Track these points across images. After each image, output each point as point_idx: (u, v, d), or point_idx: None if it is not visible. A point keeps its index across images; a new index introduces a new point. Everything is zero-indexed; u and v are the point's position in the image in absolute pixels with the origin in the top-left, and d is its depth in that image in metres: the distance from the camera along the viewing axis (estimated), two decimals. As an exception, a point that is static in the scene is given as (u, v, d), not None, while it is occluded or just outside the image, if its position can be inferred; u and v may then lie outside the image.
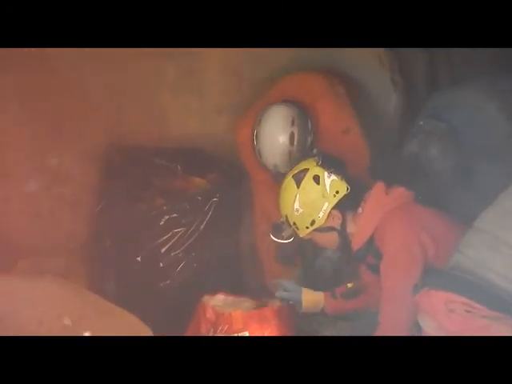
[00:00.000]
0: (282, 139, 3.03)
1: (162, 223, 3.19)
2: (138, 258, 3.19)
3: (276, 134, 3.05)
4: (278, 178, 2.98)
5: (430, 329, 2.08)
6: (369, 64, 3.32)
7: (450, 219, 2.56)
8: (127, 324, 2.77)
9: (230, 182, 3.33)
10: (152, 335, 2.71)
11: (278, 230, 2.74)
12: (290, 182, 2.64)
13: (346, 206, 2.61)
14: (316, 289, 2.94)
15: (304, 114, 3.08)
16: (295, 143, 3.04)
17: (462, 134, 2.72)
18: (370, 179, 2.73)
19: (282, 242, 2.74)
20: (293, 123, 2.90)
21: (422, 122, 2.75)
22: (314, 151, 2.67)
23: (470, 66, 3.30)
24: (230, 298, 3.07)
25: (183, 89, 3.44)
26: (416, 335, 2.14)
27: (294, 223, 2.63)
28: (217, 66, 3.39)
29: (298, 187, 2.60)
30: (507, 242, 2.01)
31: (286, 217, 2.65)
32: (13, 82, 3.13)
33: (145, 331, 2.77)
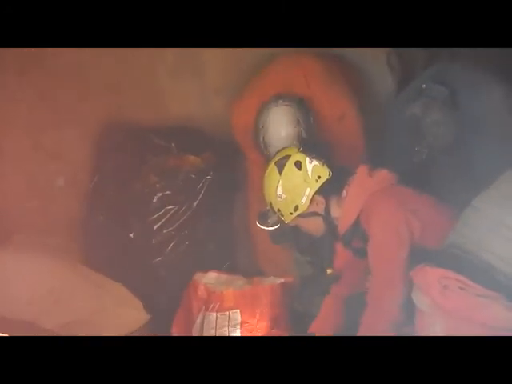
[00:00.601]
0: (290, 140, 3.01)
1: (155, 200, 3.18)
2: (131, 235, 3.18)
3: (284, 137, 3.02)
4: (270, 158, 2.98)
5: (424, 305, 2.10)
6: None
7: (435, 200, 2.58)
8: (120, 298, 2.80)
9: (225, 160, 3.32)
10: (146, 317, 2.75)
11: (263, 217, 2.74)
12: (272, 168, 2.64)
13: (330, 190, 2.62)
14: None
15: (306, 111, 3.05)
16: (301, 141, 3.03)
17: (463, 104, 2.71)
18: (353, 163, 2.73)
19: (268, 229, 2.75)
20: (298, 123, 2.86)
21: (424, 86, 2.71)
22: (295, 139, 2.68)
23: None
24: (223, 276, 3.10)
25: (182, 69, 3.42)
26: (414, 335, 2.13)
27: (279, 210, 2.64)
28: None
29: (281, 173, 2.61)
30: (507, 223, 2.03)
31: (271, 204, 2.66)
32: (12, 60, 3.10)
33: (136, 305, 2.79)
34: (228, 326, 2.88)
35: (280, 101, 3.04)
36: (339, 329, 2.73)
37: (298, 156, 2.62)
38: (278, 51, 3.16)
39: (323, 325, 2.76)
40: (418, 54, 3.10)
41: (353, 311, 2.64)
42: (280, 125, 3.04)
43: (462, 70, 2.75)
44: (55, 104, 3.27)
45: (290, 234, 2.80)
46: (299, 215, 2.63)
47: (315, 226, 2.68)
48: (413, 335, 2.14)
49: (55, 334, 2.53)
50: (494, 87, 2.67)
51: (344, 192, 2.62)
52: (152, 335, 2.79)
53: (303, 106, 3.07)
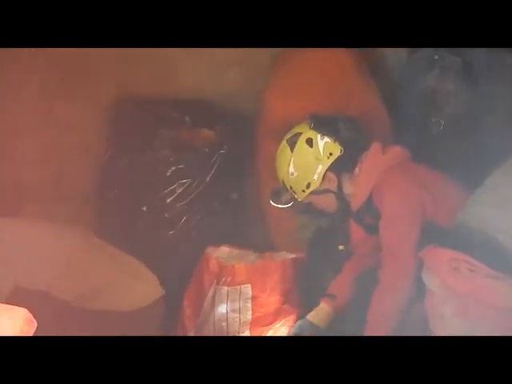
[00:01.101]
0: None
1: (168, 174, 3.17)
2: (144, 208, 3.19)
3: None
4: None
5: (434, 286, 2.10)
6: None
7: (448, 177, 2.57)
8: (135, 271, 2.81)
9: (238, 135, 3.31)
10: (161, 292, 2.75)
11: (276, 195, 2.77)
12: (284, 146, 2.65)
13: (342, 167, 2.62)
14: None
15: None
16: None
17: (477, 74, 2.69)
18: (365, 140, 2.70)
19: (282, 207, 2.74)
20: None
21: (436, 56, 2.68)
22: (307, 115, 2.65)
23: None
24: (235, 251, 3.11)
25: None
26: (422, 335, 2.13)
27: (291, 187, 2.66)
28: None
29: (292, 151, 2.62)
30: None
31: (283, 181, 2.68)
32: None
33: (151, 278, 2.81)
34: (239, 300, 2.90)
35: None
36: (351, 303, 2.74)
37: (310, 133, 2.61)
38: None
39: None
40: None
41: (365, 287, 2.64)
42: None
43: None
44: (67, 76, 3.26)
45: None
46: (312, 192, 2.63)
47: (328, 203, 2.69)
48: (422, 316, 2.14)
49: (69, 304, 2.55)
50: (508, 58, 2.64)
51: (356, 169, 2.62)
52: (165, 309, 2.82)
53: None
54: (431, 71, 2.67)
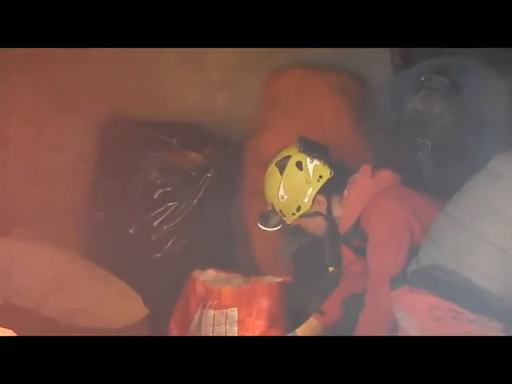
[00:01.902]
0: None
1: (155, 196, 3.19)
2: (131, 230, 3.19)
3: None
4: None
5: (413, 329, 2.07)
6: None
7: (438, 201, 2.58)
8: (119, 291, 2.80)
9: (225, 158, 3.33)
10: (145, 311, 2.75)
11: (265, 218, 2.73)
12: (273, 169, 2.63)
13: (331, 190, 2.62)
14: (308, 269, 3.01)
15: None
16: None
17: (465, 97, 2.68)
18: (354, 162, 2.73)
19: (270, 230, 2.75)
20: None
21: (423, 78, 2.68)
22: (296, 138, 2.66)
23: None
24: (221, 274, 3.10)
25: (183, 64, 3.43)
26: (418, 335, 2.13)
27: (281, 210, 2.64)
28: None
29: (282, 174, 2.60)
30: (485, 236, 2.01)
31: (272, 205, 2.66)
32: (17, 51, 3.11)
33: (136, 299, 2.80)
34: (225, 323, 2.89)
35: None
36: (337, 326, 2.75)
37: (299, 156, 2.61)
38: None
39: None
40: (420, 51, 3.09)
41: (351, 310, 2.65)
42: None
43: (463, 62, 2.71)
44: (58, 96, 3.28)
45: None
46: (301, 215, 2.63)
47: (317, 226, 2.68)
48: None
49: (56, 322, 2.54)
50: (497, 81, 2.65)
51: (345, 191, 2.63)
52: (150, 332, 2.80)
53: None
54: (418, 92, 2.66)
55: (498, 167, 2.11)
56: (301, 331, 2.77)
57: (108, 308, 2.68)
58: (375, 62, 3.38)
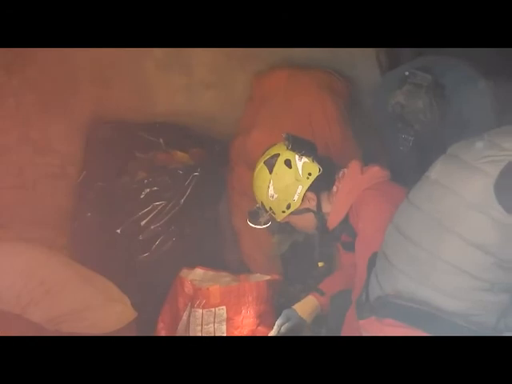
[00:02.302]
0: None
1: (142, 196, 3.18)
2: (118, 230, 3.18)
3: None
4: None
5: None
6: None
7: None
8: (108, 294, 2.79)
9: (212, 157, 3.33)
10: (134, 314, 2.74)
11: (254, 216, 2.73)
12: (262, 168, 2.63)
13: (320, 186, 2.63)
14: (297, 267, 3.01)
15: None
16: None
17: (448, 95, 2.68)
18: (343, 159, 2.73)
19: (260, 227, 2.74)
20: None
21: (407, 73, 2.69)
22: (284, 135, 2.66)
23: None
24: (209, 273, 3.10)
25: (170, 64, 3.43)
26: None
27: (271, 208, 2.64)
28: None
29: (271, 173, 2.60)
30: (439, 255, 1.98)
31: (262, 203, 2.66)
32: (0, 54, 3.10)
33: (124, 302, 2.79)
34: (214, 322, 2.89)
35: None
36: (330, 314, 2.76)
37: (287, 154, 2.61)
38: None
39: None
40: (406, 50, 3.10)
41: (338, 308, 2.65)
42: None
43: (448, 61, 2.73)
44: (43, 97, 3.28)
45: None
46: (291, 213, 2.63)
47: (307, 222, 2.69)
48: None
49: (42, 328, 2.53)
50: (480, 81, 2.66)
51: (334, 188, 2.63)
52: (138, 333, 2.80)
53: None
54: (401, 87, 2.67)
55: (443, 179, 2.07)
56: (299, 308, 2.74)
57: (96, 313, 2.67)
58: (362, 62, 3.40)
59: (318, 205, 2.65)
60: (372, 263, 2.26)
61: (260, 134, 3.22)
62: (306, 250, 3.08)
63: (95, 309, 2.69)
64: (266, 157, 2.64)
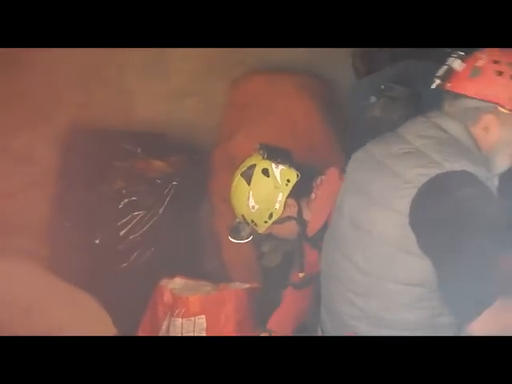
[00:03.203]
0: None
1: (121, 206, 3.17)
2: (97, 241, 3.17)
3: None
4: None
5: None
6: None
7: None
8: (87, 310, 2.78)
9: (191, 166, 3.32)
10: (114, 331, 2.73)
11: (235, 230, 2.69)
12: (239, 181, 2.60)
13: (299, 193, 2.62)
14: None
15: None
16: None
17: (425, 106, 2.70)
18: (324, 163, 2.73)
19: (242, 242, 2.72)
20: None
21: (382, 86, 2.69)
22: (258, 146, 2.65)
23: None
24: (189, 282, 3.09)
25: (150, 73, 3.43)
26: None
27: (252, 220, 2.61)
28: (184, 50, 3.38)
29: (249, 184, 2.57)
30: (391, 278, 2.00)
31: (243, 216, 2.62)
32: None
33: (104, 320, 2.78)
34: (194, 331, 2.88)
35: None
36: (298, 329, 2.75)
37: (264, 163, 2.59)
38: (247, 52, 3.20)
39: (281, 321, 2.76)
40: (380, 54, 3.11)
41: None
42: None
43: (422, 66, 2.72)
44: (22, 106, 3.26)
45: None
46: (274, 222, 2.61)
47: (289, 230, 2.66)
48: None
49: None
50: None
51: (313, 194, 2.62)
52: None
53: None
54: (378, 101, 2.67)
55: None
56: None
57: (75, 328, 2.66)
58: (339, 65, 3.40)
59: (299, 211, 2.63)
60: None
61: (243, 138, 3.22)
62: (287, 258, 3.07)
63: (73, 324, 2.68)
64: (243, 169, 2.62)
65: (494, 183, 2.03)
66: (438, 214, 1.89)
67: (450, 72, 2.06)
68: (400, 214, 1.93)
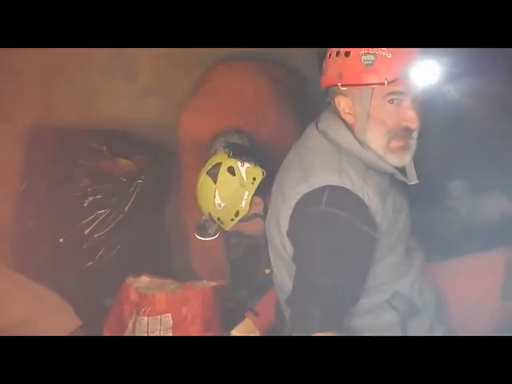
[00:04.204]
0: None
1: (85, 204, 3.15)
2: (61, 240, 3.15)
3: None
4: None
5: None
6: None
7: None
8: (50, 304, 2.75)
9: (157, 164, 3.31)
10: (78, 322, 2.71)
11: (202, 228, 2.71)
12: (205, 179, 2.61)
13: (266, 190, 2.63)
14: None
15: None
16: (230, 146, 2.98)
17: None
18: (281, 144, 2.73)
19: (208, 239, 2.73)
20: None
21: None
22: (223, 144, 2.66)
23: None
24: (155, 280, 3.08)
25: (114, 70, 3.40)
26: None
27: (219, 218, 2.62)
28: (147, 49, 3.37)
29: (215, 182, 2.58)
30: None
31: (210, 214, 2.64)
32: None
33: (68, 311, 2.76)
34: (160, 330, 2.87)
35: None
36: (274, 329, 2.75)
37: (229, 161, 2.60)
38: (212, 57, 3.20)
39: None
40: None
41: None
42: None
43: None
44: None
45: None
46: (240, 220, 2.62)
47: (256, 228, 2.67)
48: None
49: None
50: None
51: None
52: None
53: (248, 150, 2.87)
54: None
55: None
56: (236, 332, 2.75)
57: (38, 324, 2.63)
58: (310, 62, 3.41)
59: (265, 209, 2.65)
60: None
61: (189, 114, 3.25)
62: (253, 256, 3.08)
63: (37, 320, 2.65)
64: (208, 167, 2.62)
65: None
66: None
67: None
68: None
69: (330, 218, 1.95)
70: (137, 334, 2.89)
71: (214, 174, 2.60)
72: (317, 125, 2.19)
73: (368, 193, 2.00)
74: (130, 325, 2.93)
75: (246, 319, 2.76)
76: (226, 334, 2.80)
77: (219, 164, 2.60)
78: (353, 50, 2.01)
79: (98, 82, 3.41)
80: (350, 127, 2.09)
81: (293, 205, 2.04)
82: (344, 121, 2.10)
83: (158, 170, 3.30)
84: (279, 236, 2.17)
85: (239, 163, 2.59)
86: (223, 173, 2.59)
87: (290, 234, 2.09)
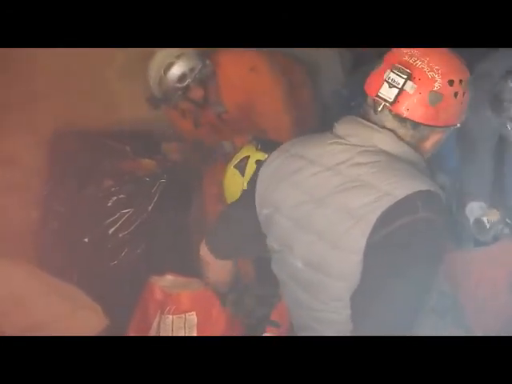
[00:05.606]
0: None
1: (109, 204, 3.18)
2: (86, 240, 3.17)
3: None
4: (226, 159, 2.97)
5: None
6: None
7: None
8: (78, 302, 2.77)
9: (179, 163, 3.32)
10: (106, 321, 2.73)
11: None
12: (233, 172, 2.61)
13: None
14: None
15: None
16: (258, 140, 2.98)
17: None
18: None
19: None
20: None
21: (353, 103, 2.70)
22: (250, 138, 2.65)
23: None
24: (180, 279, 3.07)
25: (132, 73, 3.41)
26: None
27: None
28: (165, 50, 3.37)
29: (243, 175, 2.58)
30: None
31: None
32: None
33: (95, 309, 2.77)
34: (184, 328, 2.88)
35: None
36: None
37: (258, 155, 2.60)
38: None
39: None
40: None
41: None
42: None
43: None
44: (5, 109, 3.23)
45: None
46: None
47: None
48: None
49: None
50: None
51: None
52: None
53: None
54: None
55: None
56: None
57: (66, 322, 2.65)
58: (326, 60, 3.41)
59: None
60: None
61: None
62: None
63: (65, 318, 2.67)
64: (236, 161, 2.62)
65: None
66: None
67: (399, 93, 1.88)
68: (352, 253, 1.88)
69: (428, 223, 1.86)
70: (161, 333, 2.90)
71: (241, 167, 2.59)
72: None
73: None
74: (155, 324, 2.93)
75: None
76: (250, 334, 2.80)
77: (247, 157, 2.60)
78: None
79: (117, 83, 3.44)
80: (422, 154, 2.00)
81: (374, 220, 1.87)
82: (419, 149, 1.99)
83: (180, 170, 3.32)
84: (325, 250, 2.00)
85: (267, 156, 2.59)
86: (251, 166, 2.58)
87: (377, 244, 1.88)
